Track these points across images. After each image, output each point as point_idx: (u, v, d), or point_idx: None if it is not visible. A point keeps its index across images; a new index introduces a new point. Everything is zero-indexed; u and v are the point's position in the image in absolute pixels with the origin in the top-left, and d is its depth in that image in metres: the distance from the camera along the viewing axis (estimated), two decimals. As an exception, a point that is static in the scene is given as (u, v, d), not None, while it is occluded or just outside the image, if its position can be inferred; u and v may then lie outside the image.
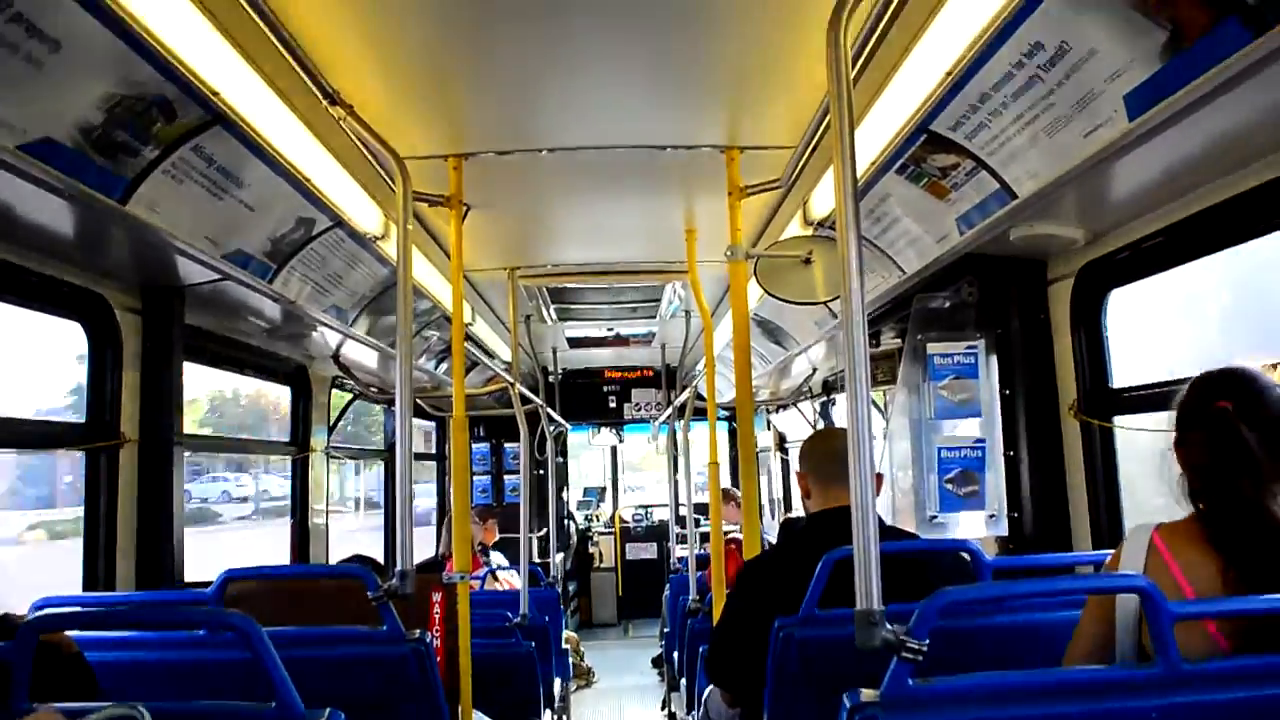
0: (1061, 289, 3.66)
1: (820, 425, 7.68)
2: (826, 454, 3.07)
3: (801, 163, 3.43)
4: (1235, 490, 1.93)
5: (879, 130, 3.13)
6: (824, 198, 3.93)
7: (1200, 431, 2.00)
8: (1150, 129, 2.28)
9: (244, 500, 19.36)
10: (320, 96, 2.74)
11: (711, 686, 3.69)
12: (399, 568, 2.69)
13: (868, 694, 1.67)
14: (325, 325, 4.53)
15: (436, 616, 3.41)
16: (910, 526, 3.90)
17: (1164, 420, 2.16)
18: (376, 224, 4.06)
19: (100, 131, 2.45)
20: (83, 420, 3.57)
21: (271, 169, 3.14)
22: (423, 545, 7.89)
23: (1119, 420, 3.50)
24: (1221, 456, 1.95)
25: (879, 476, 3.22)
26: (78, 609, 2.66)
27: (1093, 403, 3.57)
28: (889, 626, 1.66)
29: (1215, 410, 1.96)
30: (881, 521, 3.04)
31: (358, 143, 3.20)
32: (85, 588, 3.52)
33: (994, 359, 3.93)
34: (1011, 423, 3.85)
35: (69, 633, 2.29)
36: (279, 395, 5.81)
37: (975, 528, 3.90)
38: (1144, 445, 3.38)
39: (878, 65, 2.71)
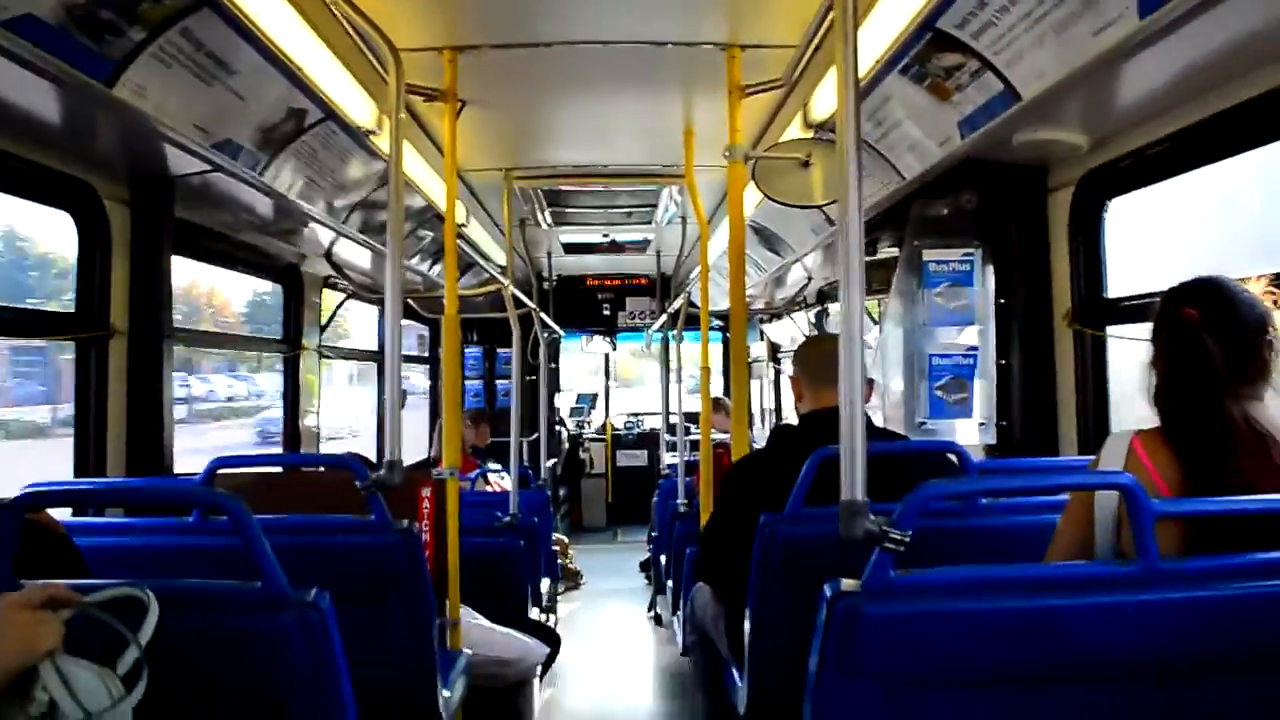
0: (1061, 197, 3.63)
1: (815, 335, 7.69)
2: (819, 357, 3.09)
3: (803, 62, 3.36)
4: (1193, 396, 1.97)
5: (883, 28, 3.06)
6: (825, 99, 3.86)
7: (1166, 337, 2.04)
8: (1161, 28, 2.24)
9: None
10: None
11: (699, 584, 3.75)
12: (388, 458, 2.71)
13: (848, 584, 1.68)
14: (317, 221, 4.49)
15: (426, 511, 3.44)
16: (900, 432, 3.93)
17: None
18: (369, 118, 3.98)
19: (84, 9, 2.37)
20: (72, 310, 3.55)
21: (262, 56, 3.06)
22: (416, 451, 7.95)
23: (1112, 330, 3.49)
24: (1183, 362, 1.99)
25: (870, 383, 3.24)
26: (69, 488, 2.68)
27: (1087, 312, 3.57)
28: (872, 517, 1.67)
29: (1182, 317, 1.99)
30: (871, 423, 3.08)
31: (351, 31, 3.13)
32: (76, 474, 3.54)
33: (990, 267, 3.91)
34: (1006, 331, 3.85)
35: (58, 518, 2.31)
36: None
37: (966, 435, 3.93)
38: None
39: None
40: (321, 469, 3.91)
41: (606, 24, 3.48)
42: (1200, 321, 1.97)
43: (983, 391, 3.91)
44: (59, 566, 2.03)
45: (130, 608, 1.57)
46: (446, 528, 3.63)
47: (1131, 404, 3.49)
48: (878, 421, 4.01)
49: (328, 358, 5.97)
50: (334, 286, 6.04)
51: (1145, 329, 2.16)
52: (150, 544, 2.69)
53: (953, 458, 2.85)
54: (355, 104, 3.81)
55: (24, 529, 1.80)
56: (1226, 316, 1.97)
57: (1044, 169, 3.67)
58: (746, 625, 2.67)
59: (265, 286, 5.69)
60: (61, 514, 2.76)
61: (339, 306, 6.22)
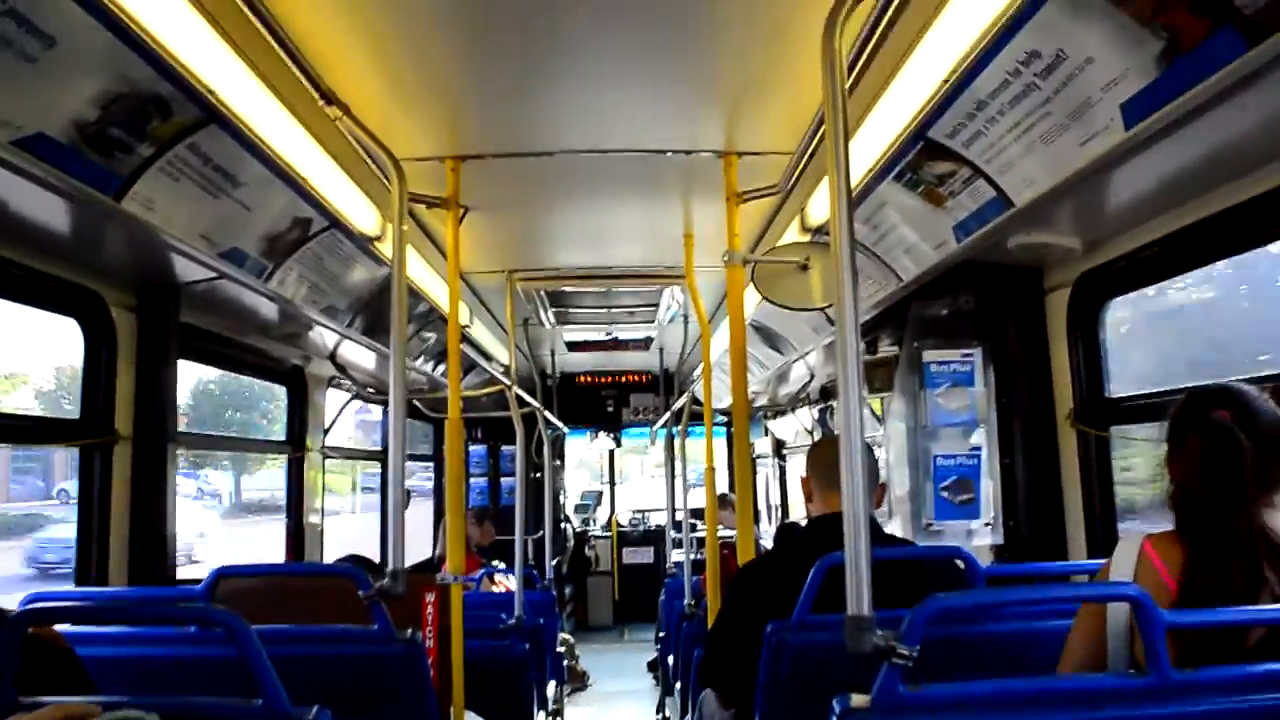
0: (1058, 298, 3.66)
1: (818, 432, 7.68)
2: (830, 460, 3.08)
3: (799, 169, 3.42)
4: (1222, 497, 1.94)
5: (876, 137, 3.13)
6: (822, 204, 3.93)
7: (1196, 438, 2.00)
8: (1147, 138, 2.28)
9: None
10: (317, 96, 2.74)
11: (707, 690, 3.68)
12: (391, 567, 2.70)
13: (858, 699, 1.66)
14: (322, 325, 4.53)
15: (429, 617, 3.40)
16: (905, 534, 3.90)
17: (1158, 430, 2.18)
18: (374, 225, 4.05)
19: (95, 128, 2.44)
20: (77, 416, 3.56)
21: (268, 168, 3.14)
22: (421, 548, 7.89)
23: (1115, 430, 3.49)
24: (1215, 463, 1.96)
25: (882, 486, 3.23)
26: (67, 603, 2.65)
27: (1089, 412, 3.57)
28: (879, 632, 1.65)
29: (1215, 418, 1.97)
30: (879, 529, 3.06)
31: (354, 143, 3.20)
32: (78, 583, 3.51)
33: (991, 367, 3.93)
34: (1008, 431, 3.85)
35: (60, 630, 2.29)
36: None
37: (974, 536, 3.90)
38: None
39: (875, 71, 2.70)
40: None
41: (606, 133, 3.55)
42: (1234, 422, 1.96)
43: (988, 491, 3.89)
44: (63, 680, 2.01)
45: None
46: (450, 634, 3.59)
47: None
48: (893, 526, 3.99)
49: (331, 458, 5.96)
50: (339, 387, 6.06)
51: (1149, 429, 2.16)
52: (151, 655, 2.66)
53: (959, 563, 2.83)
54: (359, 212, 3.87)
55: (26, 643, 1.78)
56: (1253, 420, 1.97)
57: (1040, 270, 3.71)
58: (755, 735, 2.62)
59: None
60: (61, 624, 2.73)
61: (343, 407, 6.23)
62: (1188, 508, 2.01)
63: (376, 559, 4.46)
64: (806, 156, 3.29)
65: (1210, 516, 1.95)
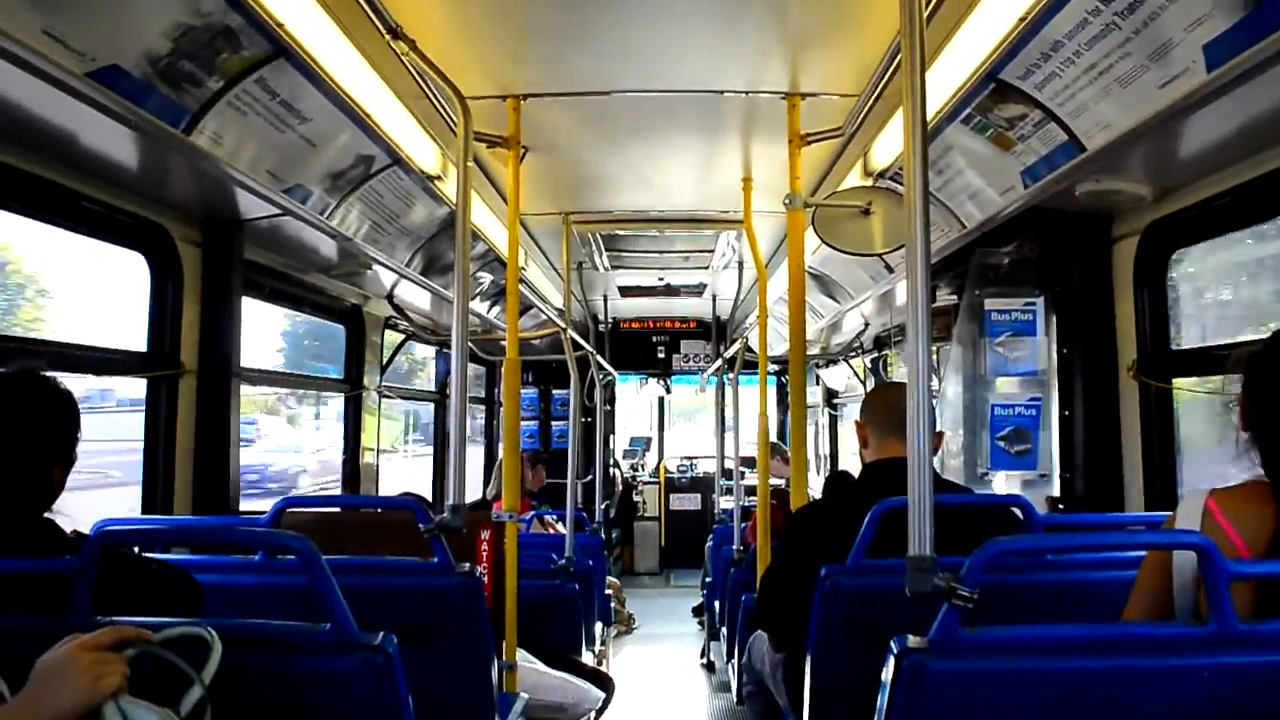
0: (1125, 247, 3.59)
1: (871, 381, 7.64)
2: (887, 406, 3.06)
3: (865, 110, 3.38)
4: None
5: (946, 78, 3.07)
6: (885, 148, 3.87)
7: None
8: (1229, 81, 2.22)
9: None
10: (383, 30, 2.74)
11: (758, 632, 3.72)
12: (450, 501, 2.74)
13: (915, 640, 1.67)
14: (381, 264, 4.56)
15: (484, 553, 3.46)
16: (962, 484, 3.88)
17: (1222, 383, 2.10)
18: (434, 164, 4.06)
19: (166, 61, 2.46)
20: (144, 350, 3.64)
21: (333, 103, 3.15)
22: (469, 489, 7.99)
23: (1179, 382, 3.44)
24: None
25: (940, 434, 3.21)
26: (142, 526, 2.73)
27: (1152, 364, 3.51)
28: (941, 573, 1.65)
29: None
30: (938, 475, 3.05)
31: (419, 79, 3.20)
32: (144, 511, 3.61)
33: (1053, 317, 3.87)
34: (1068, 382, 3.80)
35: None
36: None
37: (1026, 488, 3.88)
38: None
39: (949, 10, 2.66)
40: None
41: (669, 74, 3.52)
42: None
43: (1045, 442, 3.85)
44: (173, 598, 2.06)
45: (195, 646, 1.59)
46: (505, 570, 3.64)
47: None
48: (947, 476, 3.97)
49: (388, 397, 6.03)
50: (394, 327, 6.12)
51: (1213, 382, 2.10)
52: (220, 582, 2.72)
53: (1017, 512, 2.81)
54: (422, 150, 3.88)
55: (111, 565, 1.84)
56: None
57: (1108, 218, 3.63)
58: (807, 677, 2.64)
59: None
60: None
61: (399, 347, 6.29)
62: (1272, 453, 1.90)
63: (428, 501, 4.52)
64: (873, 98, 3.25)
65: None
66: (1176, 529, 1.95)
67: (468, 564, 2.70)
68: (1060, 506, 3.84)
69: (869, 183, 4.11)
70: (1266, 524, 1.85)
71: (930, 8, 2.49)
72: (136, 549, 2.23)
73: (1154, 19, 2.24)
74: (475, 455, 9.44)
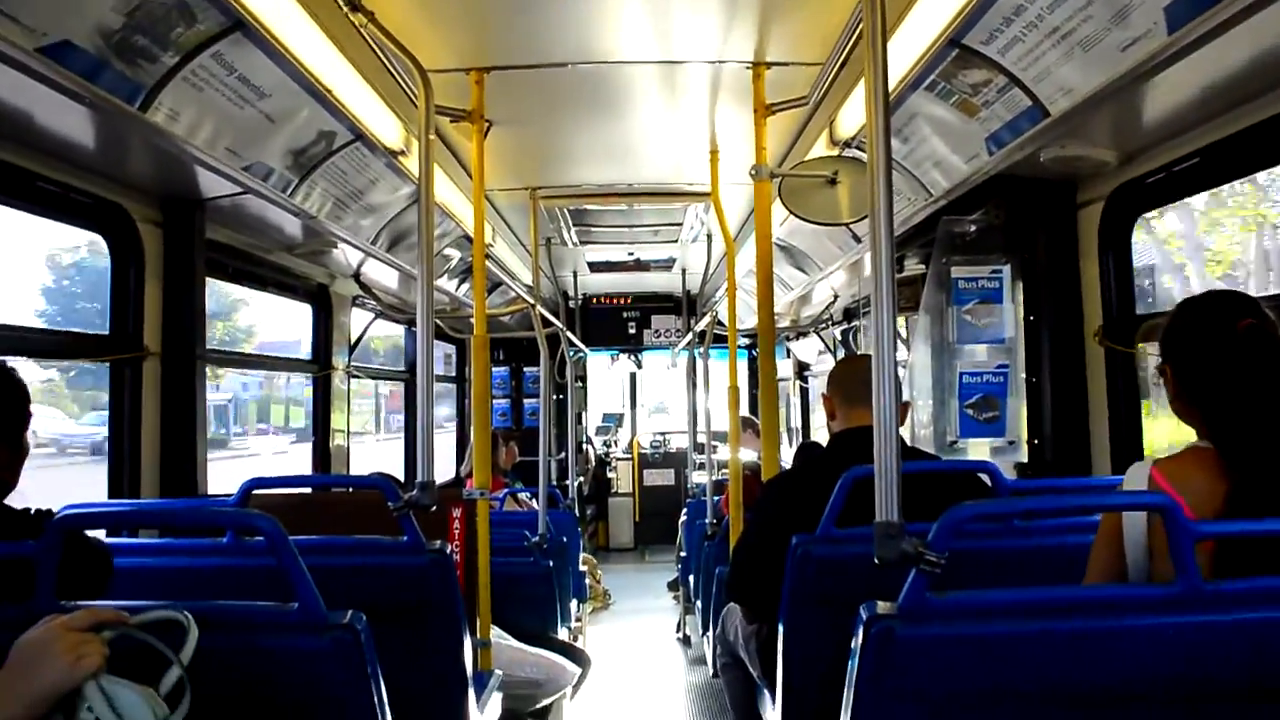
0: (1091, 213, 3.61)
1: (841, 353, 7.67)
2: (852, 376, 3.09)
3: (830, 78, 3.36)
4: (1265, 407, 1.88)
5: (909, 44, 3.06)
6: (851, 116, 3.86)
7: (1228, 352, 1.93)
8: (1190, 43, 2.22)
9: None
10: (341, 3, 2.70)
11: (731, 604, 3.73)
12: (420, 479, 2.72)
13: (884, 606, 1.67)
14: (346, 242, 4.52)
15: (456, 532, 3.45)
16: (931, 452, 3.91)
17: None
18: (398, 139, 4.02)
19: (119, 36, 2.40)
20: (106, 332, 3.59)
21: (292, 79, 3.09)
22: (443, 469, 7.96)
23: (1143, 347, 3.46)
24: (1257, 374, 1.90)
25: (906, 405, 3.23)
26: (107, 509, 2.70)
27: (1118, 329, 3.54)
28: (908, 538, 1.66)
29: (1245, 328, 1.90)
30: (903, 443, 3.06)
31: (379, 52, 3.16)
32: (110, 496, 3.57)
33: (1019, 284, 3.89)
34: (1035, 348, 3.83)
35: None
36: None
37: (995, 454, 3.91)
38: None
39: (911, -26, 2.65)
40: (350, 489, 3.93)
41: (632, 44, 3.49)
42: (1262, 325, 1.90)
43: (1013, 409, 3.88)
44: (93, 582, 2.05)
45: (170, 629, 1.59)
46: (477, 548, 3.63)
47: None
48: (909, 441, 3.99)
49: (357, 377, 5.99)
50: (362, 306, 6.07)
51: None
52: (185, 565, 2.71)
53: (984, 477, 2.83)
54: (384, 125, 3.84)
55: (70, 549, 1.82)
56: (1273, 321, 1.91)
57: (1073, 184, 3.64)
58: (780, 647, 2.65)
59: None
60: (95, 534, 2.78)
61: (367, 326, 6.25)
62: (1228, 426, 1.92)
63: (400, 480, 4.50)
64: (838, 66, 3.23)
65: (1259, 432, 1.88)
66: (1136, 490, 1.97)
67: (438, 542, 2.69)
68: (1029, 473, 3.87)
69: (835, 152, 4.10)
70: (1217, 491, 1.88)
71: None
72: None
73: (1115, -20, 2.24)
74: (447, 437, 9.42)
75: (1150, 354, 3.43)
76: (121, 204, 3.48)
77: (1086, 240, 3.65)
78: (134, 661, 1.53)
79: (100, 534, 2.86)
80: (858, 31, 2.94)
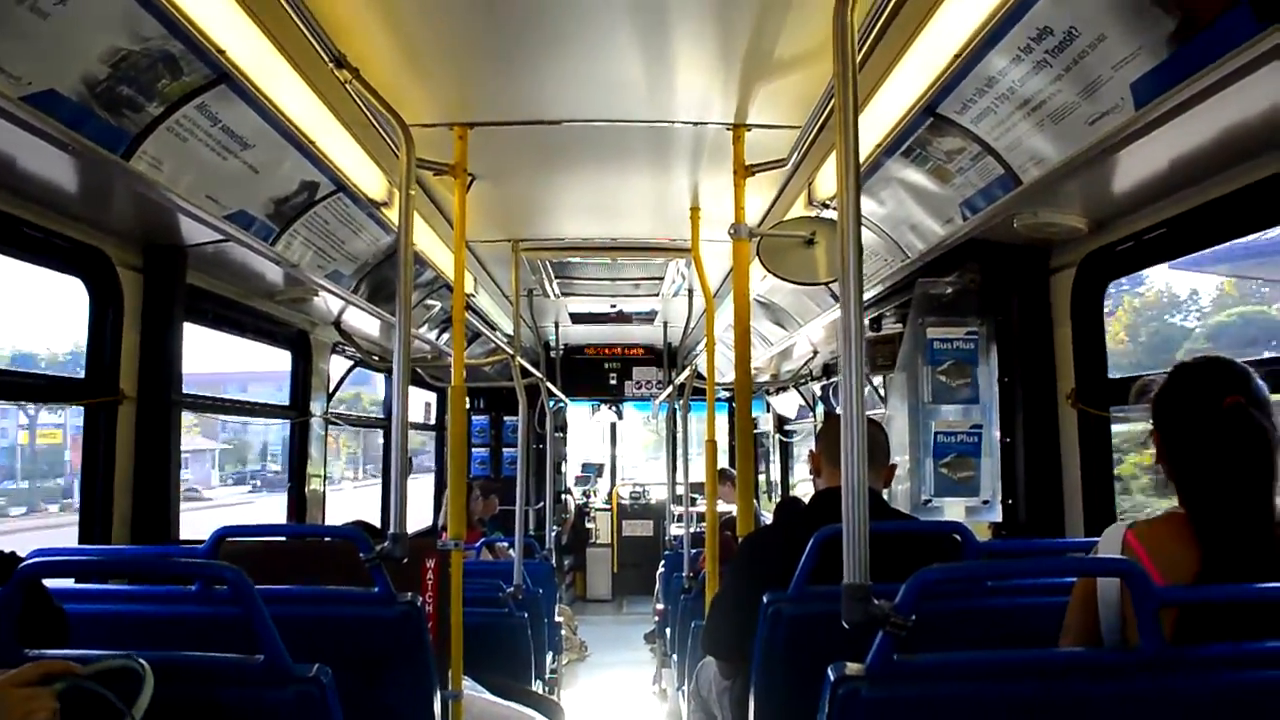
0: (1063, 278, 3.66)
1: (820, 409, 7.70)
2: (839, 436, 3.10)
3: (807, 142, 3.42)
4: (1245, 482, 1.90)
5: (885, 111, 3.12)
6: (829, 178, 3.92)
7: (1211, 427, 1.94)
8: (1156, 118, 2.27)
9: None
10: (326, 58, 2.74)
11: (706, 658, 3.72)
12: (393, 530, 2.72)
13: (853, 667, 1.68)
14: (327, 290, 4.53)
15: (430, 583, 3.43)
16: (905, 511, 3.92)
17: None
18: (380, 190, 4.05)
19: (105, 86, 2.44)
20: (82, 376, 3.58)
21: (276, 130, 3.13)
22: (421, 516, 7.92)
23: (1116, 410, 3.50)
24: (1237, 449, 1.91)
25: (892, 467, 3.25)
26: (72, 557, 2.67)
27: (1090, 392, 3.57)
28: (876, 600, 1.67)
29: (1230, 406, 1.92)
30: (884, 504, 3.09)
31: (363, 107, 3.20)
32: (81, 541, 3.54)
33: (994, 346, 3.94)
34: (1009, 410, 3.86)
35: (61, 587, 2.31)
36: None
37: (970, 513, 3.92)
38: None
39: (886, 45, 2.70)
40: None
41: (615, 103, 3.55)
42: (1247, 405, 1.92)
43: (987, 469, 3.90)
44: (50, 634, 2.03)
45: (128, 678, 1.57)
46: (450, 599, 3.61)
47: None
48: (900, 502, 4.02)
49: (335, 424, 5.98)
50: (342, 353, 6.07)
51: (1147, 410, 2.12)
52: (152, 612, 2.68)
53: (957, 538, 2.85)
54: (366, 177, 3.87)
55: (30, 599, 1.81)
56: (1263, 398, 1.94)
57: (1046, 250, 3.70)
58: (751, 704, 2.64)
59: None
60: (64, 580, 2.76)
61: (347, 374, 6.24)
62: (1203, 498, 1.94)
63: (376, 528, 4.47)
64: (816, 130, 3.29)
65: (1232, 508, 1.90)
66: (1102, 556, 1.99)
67: (410, 593, 2.68)
68: (1003, 532, 3.89)
69: (813, 213, 4.16)
70: (1189, 561, 1.89)
71: (867, 45, 2.53)
72: None
73: (1083, 57, 2.30)
74: (427, 485, 9.37)
75: (1119, 417, 3.47)
76: (102, 249, 3.49)
77: (1059, 304, 3.69)
78: (90, 713, 1.51)
79: (68, 581, 2.85)
80: (833, 100, 3.00)
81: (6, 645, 1.69)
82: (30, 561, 1.89)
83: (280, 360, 5.54)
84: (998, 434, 3.91)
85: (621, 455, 13.70)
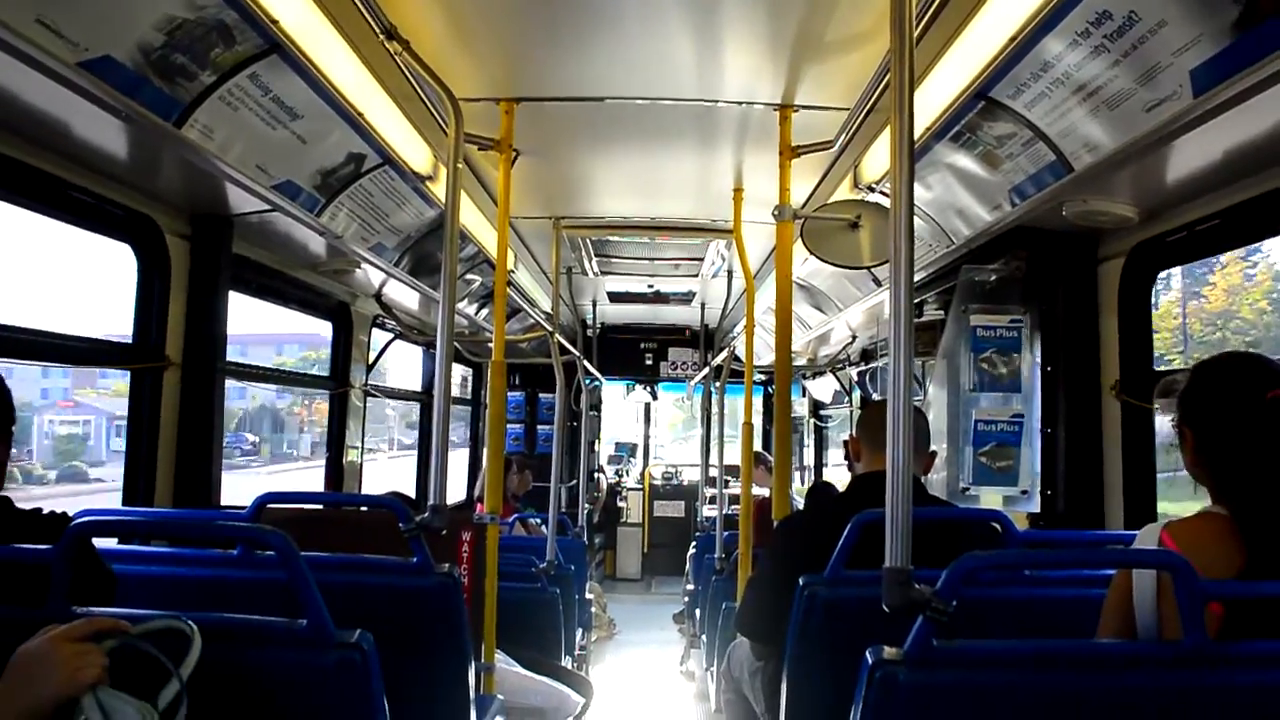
0: (1111, 268, 3.61)
1: (857, 394, 7.67)
2: (879, 421, 3.08)
3: (855, 124, 3.39)
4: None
5: (936, 95, 3.08)
6: (875, 161, 3.89)
7: (1251, 424, 1.91)
8: (1214, 106, 2.23)
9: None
10: (377, 30, 2.74)
11: (738, 639, 3.73)
12: (432, 501, 2.74)
13: (890, 651, 1.68)
14: (369, 263, 4.56)
15: (465, 555, 3.46)
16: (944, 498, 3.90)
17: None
18: (425, 164, 4.06)
19: (159, 53, 2.45)
20: (130, 341, 3.63)
21: (326, 101, 3.14)
22: (454, 490, 7.96)
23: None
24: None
25: (932, 453, 3.23)
26: (121, 518, 2.72)
27: (1134, 384, 3.53)
28: (916, 586, 1.66)
29: (1272, 400, 1.88)
30: (923, 490, 3.07)
31: (412, 80, 3.21)
32: (125, 503, 3.60)
33: (1038, 335, 3.90)
34: (1051, 400, 3.83)
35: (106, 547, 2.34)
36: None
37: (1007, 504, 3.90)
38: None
39: (940, 28, 2.67)
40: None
41: (662, 82, 3.54)
42: None
43: (1027, 459, 3.87)
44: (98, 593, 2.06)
45: (173, 639, 1.59)
46: (485, 572, 3.64)
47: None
48: (932, 491, 3.99)
49: (374, 396, 6.02)
50: (382, 326, 6.11)
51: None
52: (192, 575, 2.72)
53: (997, 526, 2.83)
54: (413, 150, 3.89)
55: (79, 556, 1.84)
56: None
57: (1094, 238, 3.65)
58: (784, 686, 2.65)
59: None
60: (106, 541, 2.81)
61: (386, 346, 6.28)
62: (1247, 495, 1.90)
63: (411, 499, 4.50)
64: (865, 113, 3.26)
65: (1265, 499, 1.86)
66: (1145, 548, 1.97)
67: (447, 565, 2.70)
68: (1041, 523, 3.86)
69: (858, 196, 4.13)
70: (1232, 560, 1.85)
71: (922, 25, 2.50)
72: None
73: (1143, 42, 2.26)
74: (460, 459, 9.42)
75: (1159, 409, 3.43)
76: (151, 216, 3.53)
77: (1106, 294, 3.65)
78: (138, 670, 1.54)
79: (110, 541, 2.90)
80: (885, 79, 2.97)
81: (57, 602, 1.72)
82: (80, 521, 1.92)
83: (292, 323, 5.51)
84: (1039, 424, 3.87)
85: (653, 436, 13.70)
